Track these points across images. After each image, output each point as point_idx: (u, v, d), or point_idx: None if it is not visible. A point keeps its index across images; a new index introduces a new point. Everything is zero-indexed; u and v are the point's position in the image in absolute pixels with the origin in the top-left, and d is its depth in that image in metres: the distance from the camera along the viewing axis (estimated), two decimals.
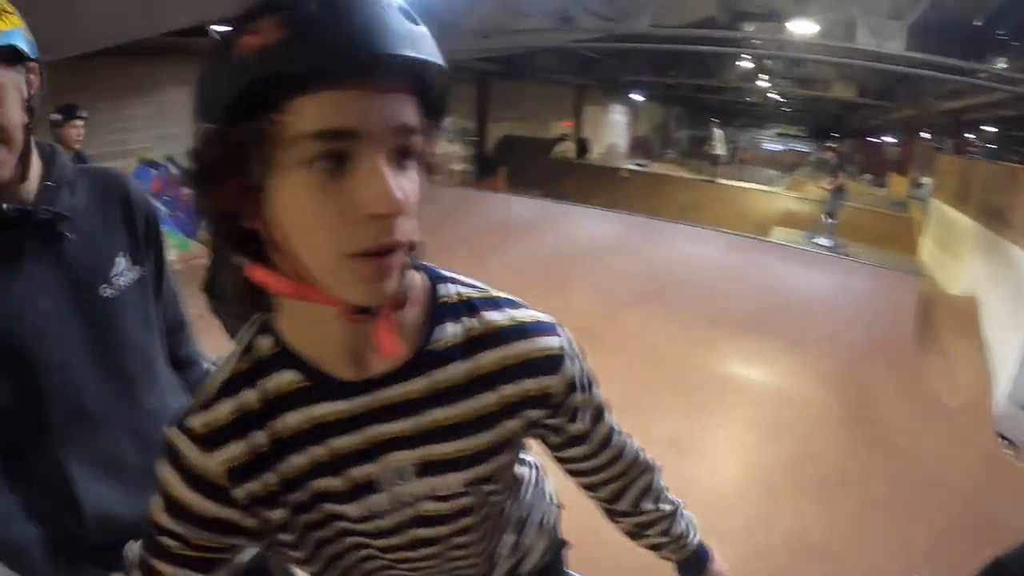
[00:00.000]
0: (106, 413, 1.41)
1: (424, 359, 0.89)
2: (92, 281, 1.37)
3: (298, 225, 0.72)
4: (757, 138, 37.03)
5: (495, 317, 0.94)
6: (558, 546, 1.41)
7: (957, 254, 11.88)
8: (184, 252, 9.06)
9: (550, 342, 0.96)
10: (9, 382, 1.26)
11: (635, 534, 1.33)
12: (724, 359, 8.10)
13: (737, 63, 18.93)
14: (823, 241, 11.63)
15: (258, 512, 0.90)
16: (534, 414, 0.98)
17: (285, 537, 0.94)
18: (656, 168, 20.04)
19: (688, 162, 23.67)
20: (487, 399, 0.93)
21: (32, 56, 1.26)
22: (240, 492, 0.88)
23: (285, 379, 0.87)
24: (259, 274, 0.78)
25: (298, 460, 0.88)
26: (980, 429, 7.60)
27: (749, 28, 13.58)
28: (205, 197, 0.74)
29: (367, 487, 0.92)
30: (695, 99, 25.91)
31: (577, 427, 1.06)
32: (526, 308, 0.99)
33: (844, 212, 13.23)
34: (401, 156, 0.72)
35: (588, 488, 1.24)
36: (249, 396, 0.87)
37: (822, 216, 11.84)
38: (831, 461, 6.37)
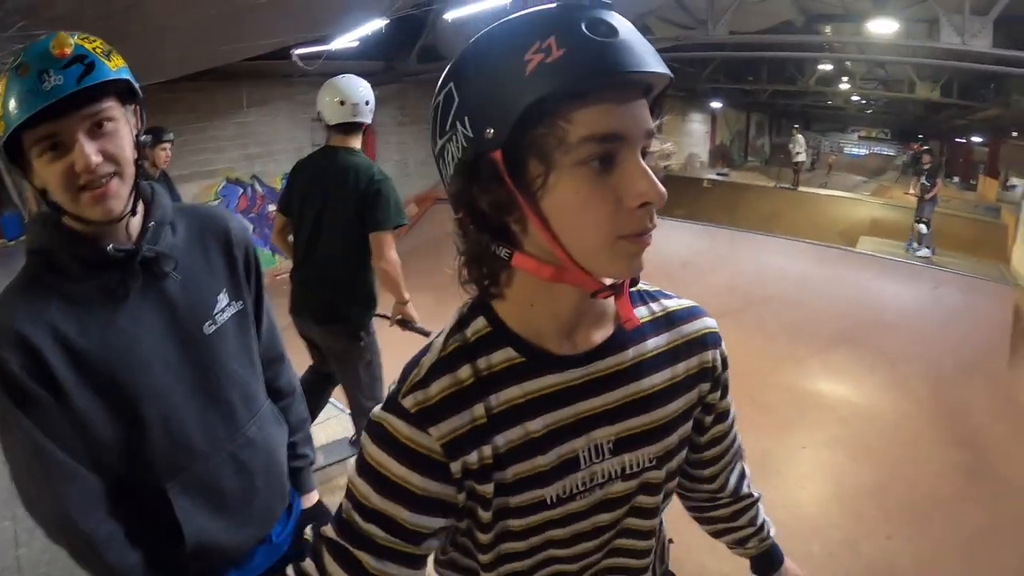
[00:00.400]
0: (208, 445, 1.47)
1: (625, 336, 1.03)
2: (194, 318, 1.44)
3: (574, 215, 0.84)
4: (840, 142, 36.10)
5: (669, 302, 1.12)
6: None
7: None
8: (272, 268, 9.32)
9: (711, 322, 1.13)
10: (115, 415, 1.31)
11: (728, 527, 1.45)
12: (810, 375, 7.94)
13: (817, 66, 18.53)
14: (924, 252, 11.24)
15: (471, 487, 0.97)
16: (704, 387, 1.12)
17: (478, 535, 1.01)
18: (737, 177, 19.73)
19: (770, 170, 23.19)
20: (676, 370, 1.07)
21: (139, 94, 1.37)
22: (457, 465, 0.94)
23: (501, 355, 0.97)
24: (522, 260, 0.90)
25: (513, 434, 0.96)
26: None
27: (827, 31, 13.33)
28: (482, 192, 0.84)
29: (570, 464, 1.00)
30: (775, 105, 25.54)
31: (724, 403, 1.20)
32: (680, 297, 1.15)
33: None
34: (643, 154, 0.85)
35: (706, 480, 1.34)
36: (465, 372, 0.96)
37: (918, 225, 11.44)
38: (922, 486, 6.19)
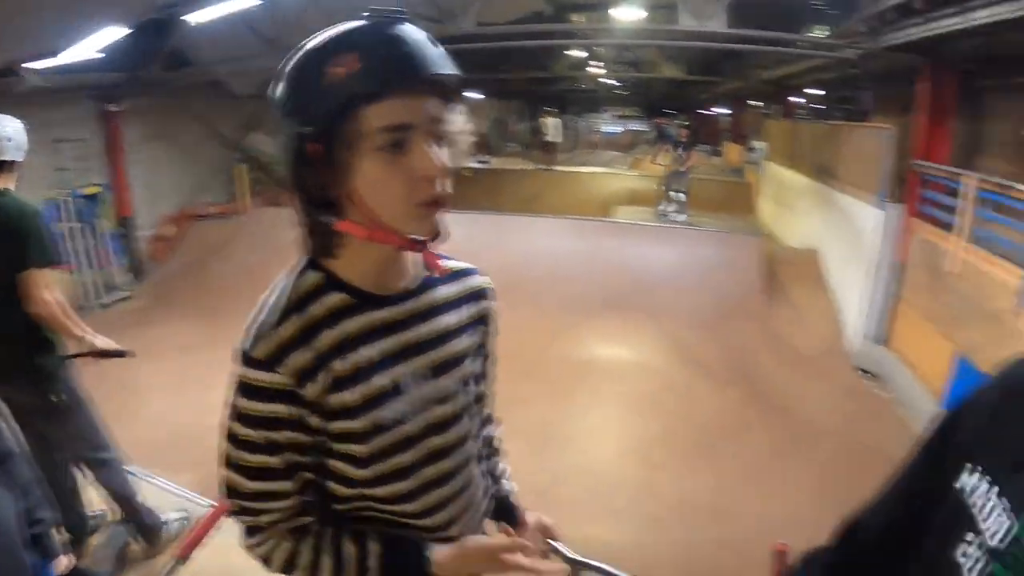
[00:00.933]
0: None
1: (427, 283, 1.32)
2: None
3: (376, 189, 1.09)
4: (596, 122, 37.91)
5: (453, 263, 1.43)
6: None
7: (793, 210, 12.55)
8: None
9: (487, 279, 1.50)
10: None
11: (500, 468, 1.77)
12: (585, 343, 8.23)
13: (568, 53, 19.24)
14: (680, 217, 11.79)
15: (323, 405, 1.17)
16: (483, 329, 1.47)
17: (350, 423, 1.20)
18: (499, 163, 19.93)
19: (530, 153, 23.71)
20: (465, 312, 1.40)
21: None
22: (306, 390, 1.15)
23: (335, 299, 1.20)
24: (344, 225, 1.13)
25: (353, 358, 1.18)
26: (840, 368, 8.07)
27: (576, 18, 13.91)
28: (307, 174, 1.09)
29: (402, 387, 1.24)
30: (531, 91, 26.23)
31: (492, 347, 1.55)
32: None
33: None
34: (437, 139, 1.10)
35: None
36: (305, 314, 1.16)
37: (672, 193, 11.97)
38: (705, 424, 6.60)
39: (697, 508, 5.38)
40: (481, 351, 1.49)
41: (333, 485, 1.27)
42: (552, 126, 19.88)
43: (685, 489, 5.62)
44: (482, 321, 1.47)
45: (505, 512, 1.67)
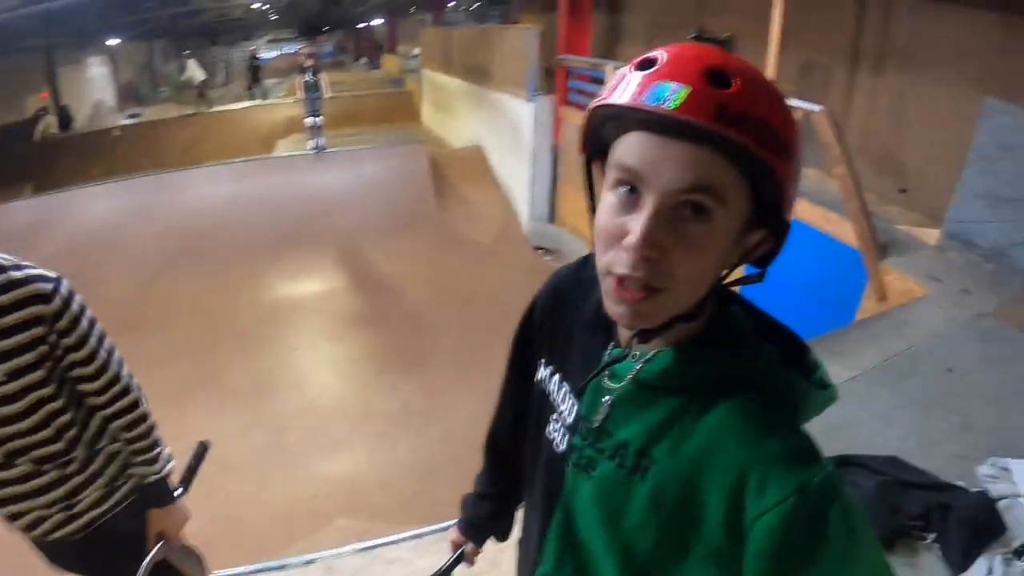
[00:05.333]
0: None
1: None
2: None
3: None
4: (251, 50, 36.30)
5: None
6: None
7: (453, 113, 13.04)
8: None
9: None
10: None
11: None
12: (274, 284, 8.28)
13: None
14: (312, 143, 11.06)
15: None
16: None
17: None
18: (153, 114, 18.26)
19: (183, 97, 22.12)
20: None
21: None
22: None
23: None
24: None
25: None
26: (519, 250, 8.79)
27: None
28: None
29: None
30: (177, 27, 24.40)
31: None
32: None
33: (344, 103, 13.67)
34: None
35: None
36: None
37: (305, 120, 11.21)
38: (404, 331, 7.02)
39: (415, 413, 5.75)
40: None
41: None
42: (192, 66, 18.59)
43: (403, 400, 5.94)
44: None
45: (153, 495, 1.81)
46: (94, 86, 21.45)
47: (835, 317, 4.99)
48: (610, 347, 0.93)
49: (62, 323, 1.51)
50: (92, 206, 9.13)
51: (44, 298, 1.48)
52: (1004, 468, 2.78)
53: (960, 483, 2.73)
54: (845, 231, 5.08)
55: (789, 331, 0.89)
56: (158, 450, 1.76)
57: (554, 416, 1.00)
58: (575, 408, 0.95)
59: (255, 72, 19.57)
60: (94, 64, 21.79)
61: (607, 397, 0.89)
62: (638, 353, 0.87)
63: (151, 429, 1.74)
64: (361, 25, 31.33)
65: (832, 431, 2.96)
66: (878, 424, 3.16)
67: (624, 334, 0.90)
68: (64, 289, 1.52)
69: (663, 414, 0.83)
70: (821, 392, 0.85)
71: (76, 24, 16.01)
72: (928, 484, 2.71)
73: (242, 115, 16.30)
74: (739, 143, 0.69)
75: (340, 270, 8.58)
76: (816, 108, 4.73)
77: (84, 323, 1.56)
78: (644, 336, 0.83)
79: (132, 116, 17.33)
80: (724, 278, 0.81)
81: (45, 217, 8.67)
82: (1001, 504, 2.61)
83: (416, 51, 17.73)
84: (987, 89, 5.05)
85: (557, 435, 0.98)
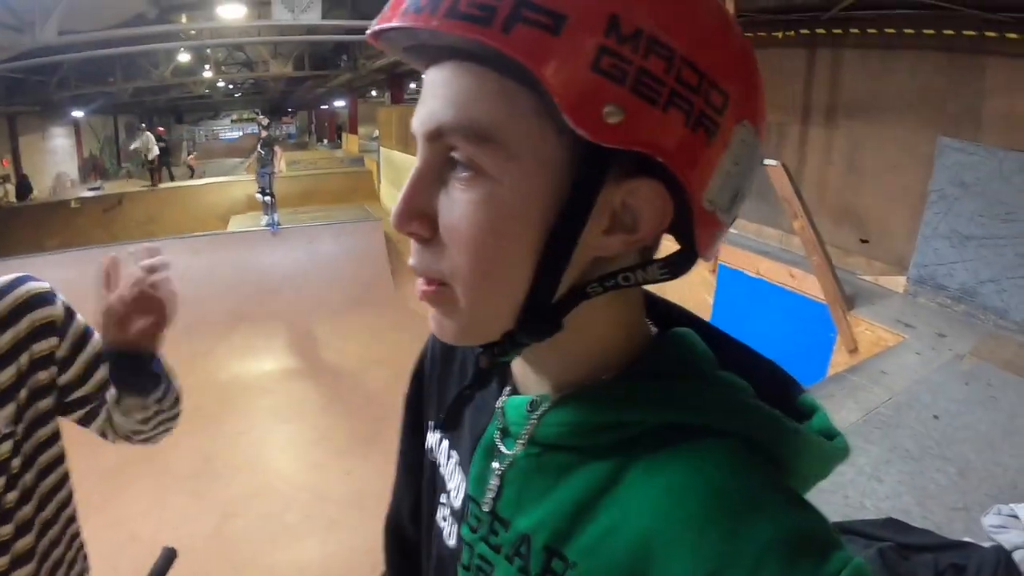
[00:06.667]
0: None
1: None
2: None
3: None
4: (214, 128, 36.73)
5: None
6: None
7: None
8: None
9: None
10: None
11: None
12: (223, 363, 8.15)
13: (176, 57, 18.43)
14: (264, 220, 11.02)
15: None
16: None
17: None
18: (113, 187, 18.23)
19: (146, 172, 22.22)
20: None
21: None
22: None
23: None
24: None
25: None
26: None
27: (181, 20, 13.26)
28: None
29: None
30: (143, 103, 24.56)
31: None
32: None
33: (303, 181, 14.15)
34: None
35: None
36: None
37: (258, 196, 11.13)
38: (362, 414, 6.90)
39: (371, 496, 5.23)
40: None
41: None
42: (144, 142, 18.80)
43: (352, 483, 5.83)
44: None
45: None
46: (59, 156, 21.45)
47: (806, 374, 4.81)
48: (504, 393, 0.68)
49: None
50: (41, 276, 8.88)
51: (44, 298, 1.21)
52: (1012, 515, 2.53)
53: (968, 538, 2.46)
54: (810, 285, 5.08)
55: (765, 359, 0.64)
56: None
57: (443, 497, 0.74)
58: (463, 486, 0.70)
59: (163, 153, 19.48)
60: (58, 135, 21.85)
61: (498, 466, 0.64)
62: (539, 399, 0.62)
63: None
64: (324, 107, 31.90)
65: (817, 495, 2.55)
66: (868, 483, 2.89)
67: (520, 372, 0.66)
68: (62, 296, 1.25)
69: (579, 490, 0.57)
70: (823, 443, 0.58)
71: (39, 94, 16.08)
72: (935, 545, 2.39)
73: (201, 191, 16.36)
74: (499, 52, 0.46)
75: (293, 349, 8.55)
76: (773, 162, 4.66)
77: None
78: (497, 368, 0.67)
79: (93, 189, 17.30)
80: (587, 280, 0.54)
81: None
82: (1017, 555, 2.34)
83: (375, 131, 18.12)
84: (939, 129, 5.15)
85: (445, 524, 0.73)
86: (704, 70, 0.48)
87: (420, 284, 0.57)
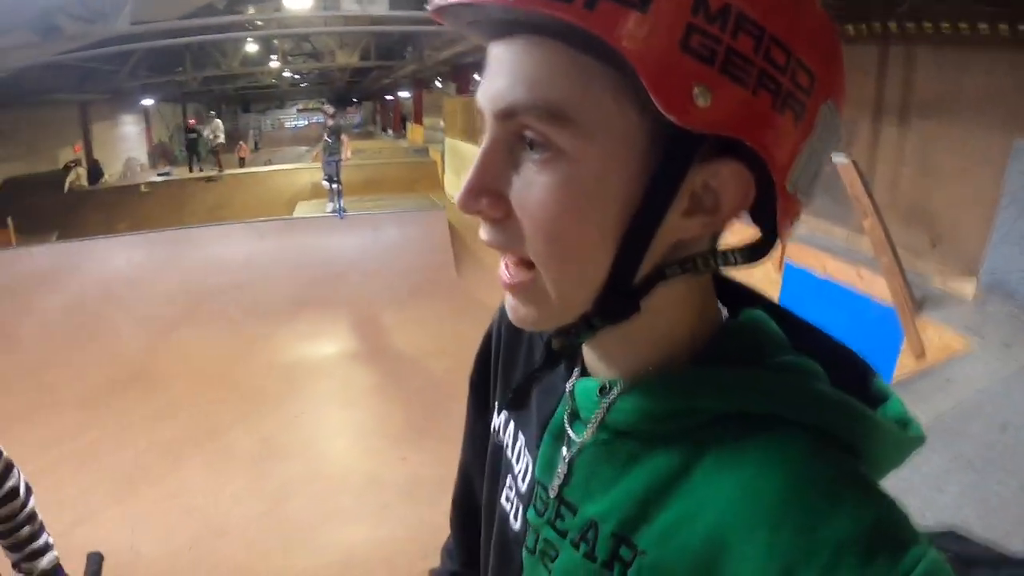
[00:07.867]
0: None
1: None
2: None
3: None
4: (280, 118, 37.23)
5: None
6: None
7: None
8: None
9: None
10: None
11: None
12: (285, 346, 8.20)
13: (244, 48, 18.69)
14: (329, 207, 11.15)
15: None
16: None
17: None
18: (181, 173, 18.68)
19: (230, 158, 22.66)
20: None
21: None
22: None
23: None
24: None
25: None
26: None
27: (248, 11, 13.44)
28: None
29: None
30: (211, 92, 25.00)
31: None
32: None
33: (368, 170, 14.16)
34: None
35: None
36: None
37: (324, 183, 11.37)
38: (423, 402, 6.83)
39: (424, 485, 5.44)
40: None
41: None
42: (212, 129, 19.20)
43: (405, 470, 5.80)
44: None
45: None
46: (127, 143, 21.99)
47: None
48: (574, 375, 0.66)
49: None
50: (110, 257, 9.24)
51: None
52: None
53: None
54: (878, 287, 4.93)
55: (839, 342, 0.61)
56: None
57: (508, 479, 0.74)
58: (530, 469, 0.69)
59: (192, 143, 20.20)
60: (128, 122, 22.42)
61: (566, 452, 0.64)
62: (608, 383, 0.60)
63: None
64: (389, 97, 32.04)
65: None
66: (930, 492, 2.82)
67: (590, 355, 0.64)
68: None
69: (649, 478, 0.57)
70: (898, 431, 0.57)
71: (112, 82, 16.38)
72: (995, 559, 2.17)
73: (267, 178, 16.58)
74: (579, 29, 0.44)
75: (355, 335, 8.54)
76: (843, 160, 4.48)
77: None
78: (569, 351, 0.64)
79: (162, 174, 17.64)
80: (663, 263, 0.53)
81: (64, 263, 8.77)
82: None
83: (440, 121, 18.09)
84: (1016, 131, 4.95)
85: (510, 506, 0.72)
86: (792, 48, 0.46)
87: (504, 273, 0.56)
